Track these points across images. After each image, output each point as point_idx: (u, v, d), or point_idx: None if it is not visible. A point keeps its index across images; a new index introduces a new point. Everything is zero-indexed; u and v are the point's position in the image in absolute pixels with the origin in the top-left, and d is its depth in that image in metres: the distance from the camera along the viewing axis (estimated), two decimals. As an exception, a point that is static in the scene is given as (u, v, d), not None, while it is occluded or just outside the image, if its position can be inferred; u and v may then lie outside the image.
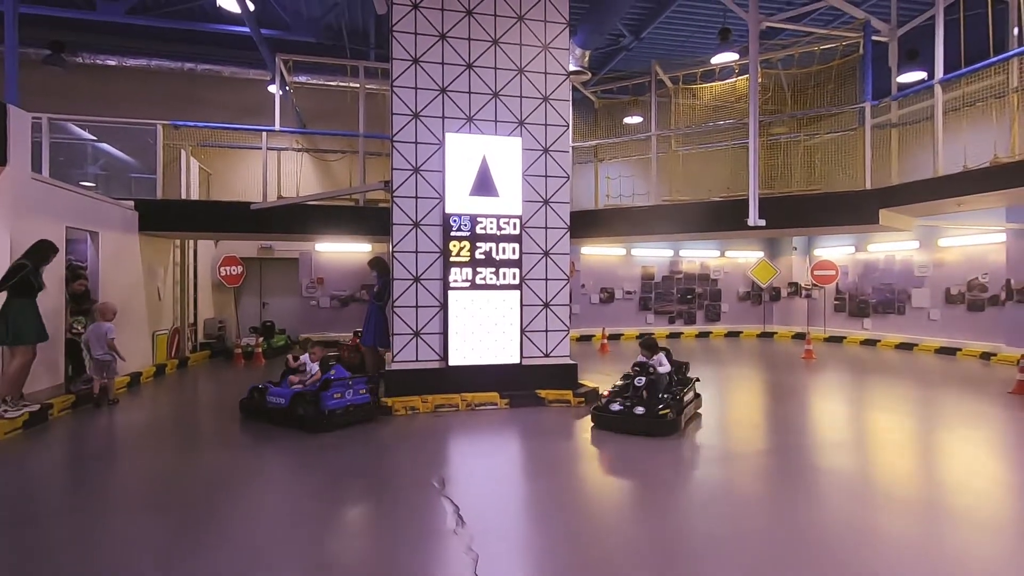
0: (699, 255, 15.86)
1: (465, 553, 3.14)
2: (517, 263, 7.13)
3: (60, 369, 6.88)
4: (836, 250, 14.55)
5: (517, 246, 7.14)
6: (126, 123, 10.26)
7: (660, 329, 15.37)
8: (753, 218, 8.28)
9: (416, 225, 6.99)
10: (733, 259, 16.05)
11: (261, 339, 11.34)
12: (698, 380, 6.62)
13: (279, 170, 11.14)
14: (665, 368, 6.06)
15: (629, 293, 15.41)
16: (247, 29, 10.33)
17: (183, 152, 10.71)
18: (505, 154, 7.16)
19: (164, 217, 9.27)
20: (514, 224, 7.14)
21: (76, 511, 3.86)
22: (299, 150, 12.89)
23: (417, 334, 6.96)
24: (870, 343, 13.39)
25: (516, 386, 7.02)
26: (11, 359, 5.76)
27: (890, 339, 13.12)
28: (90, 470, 4.85)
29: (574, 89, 11.54)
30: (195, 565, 3.04)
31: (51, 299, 6.47)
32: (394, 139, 6.97)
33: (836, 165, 11.02)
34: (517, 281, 7.13)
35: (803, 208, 9.60)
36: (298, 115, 13.08)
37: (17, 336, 5.67)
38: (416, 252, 6.99)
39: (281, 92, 10.93)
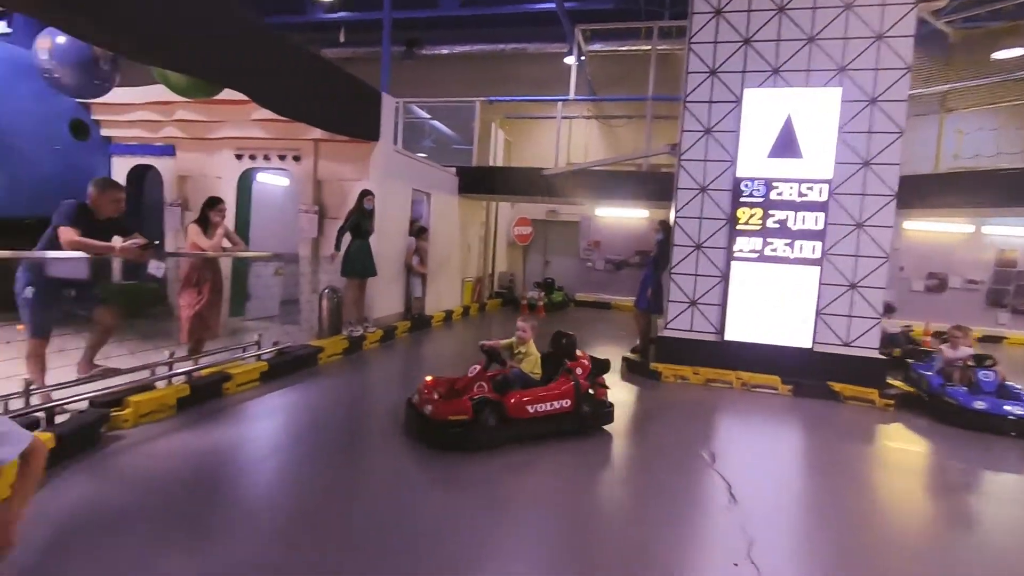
0: (1103, 238, 11.37)
1: (741, 532, 3.01)
2: (820, 235, 6.22)
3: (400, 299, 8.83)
4: None
5: (822, 215, 6.21)
6: (452, 102, 12.21)
7: (1017, 334, 11.66)
8: None
9: (703, 190, 6.65)
10: None
11: (543, 293, 12.52)
12: None
13: (570, 137, 11.88)
14: None
15: (973, 283, 12.04)
16: (552, 4, 11.08)
17: (492, 125, 12.29)
18: (817, 108, 6.21)
19: (477, 181, 10.84)
20: (820, 190, 6.21)
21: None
22: (589, 117, 13.49)
23: (694, 303, 6.73)
24: None
25: (803, 374, 6.24)
26: (348, 290, 7.15)
27: None
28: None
29: (921, 21, 9.24)
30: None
31: (396, 246, 8.31)
32: (686, 100, 6.68)
33: None
34: (818, 256, 6.24)
35: None
36: (589, 84, 13.62)
37: (354, 271, 7.02)
38: (700, 218, 6.68)
39: (577, 62, 11.50)
